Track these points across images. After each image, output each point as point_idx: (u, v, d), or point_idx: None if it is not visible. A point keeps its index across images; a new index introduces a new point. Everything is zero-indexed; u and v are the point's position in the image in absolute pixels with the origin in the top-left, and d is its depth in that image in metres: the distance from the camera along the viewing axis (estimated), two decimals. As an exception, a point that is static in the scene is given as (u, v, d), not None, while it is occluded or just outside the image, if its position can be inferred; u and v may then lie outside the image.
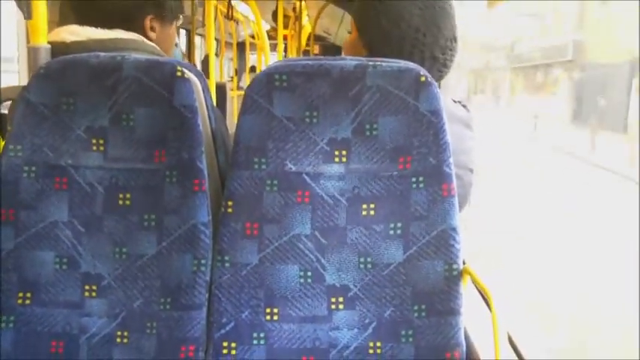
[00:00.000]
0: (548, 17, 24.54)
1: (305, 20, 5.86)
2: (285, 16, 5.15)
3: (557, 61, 22.18)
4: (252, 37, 6.67)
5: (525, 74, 26.51)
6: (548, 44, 23.16)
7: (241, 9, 5.66)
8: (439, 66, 1.12)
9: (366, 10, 1.14)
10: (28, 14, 1.13)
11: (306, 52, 5.79)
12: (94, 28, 1.15)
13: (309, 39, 5.52)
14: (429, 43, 1.10)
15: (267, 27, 6.49)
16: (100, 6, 1.16)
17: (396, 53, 1.07)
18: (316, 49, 7.30)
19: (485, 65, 31.55)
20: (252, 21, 5.83)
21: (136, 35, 1.18)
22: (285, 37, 5.81)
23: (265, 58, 3.01)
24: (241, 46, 7.86)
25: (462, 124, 1.11)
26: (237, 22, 6.41)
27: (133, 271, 1.00)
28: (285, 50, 5.88)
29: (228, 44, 7.21)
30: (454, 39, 1.12)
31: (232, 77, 7.25)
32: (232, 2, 4.40)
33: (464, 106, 1.14)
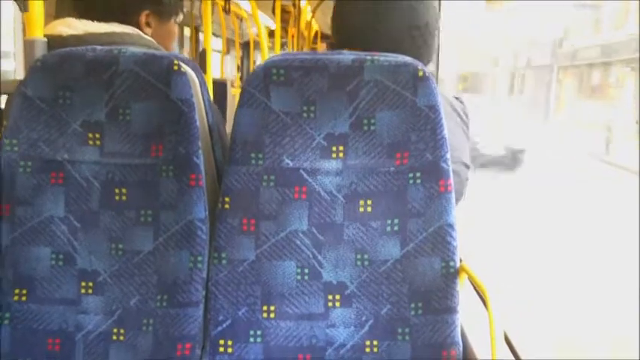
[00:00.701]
0: (605, 8, 23.93)
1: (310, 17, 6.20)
2: (288, 12, 5.45)
3: (621, 59, 21.11)
4: (257, 35, 7.02)
5: (578, 74, 25.98)
6: (608, 39, 22.19)
7: (246, 6, 5.97)
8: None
9: (332, 12, 1.36)
10: (24, 7, 1.29)
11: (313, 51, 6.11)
12: (90, 22, 1.32)
13: (316, 37, 5.80)
14: (375, 37, 1.27)
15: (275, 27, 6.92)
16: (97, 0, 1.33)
17: (353, 47, 1.24)
18: (324, 47, 7.57)
19: (526, 63, 30.10)
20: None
21: (132, 29, 1.35)
22: (291, 35, 6.19)
23: (262, 57, 3.27)
24: (247, 44, 8.28)
25: (458, 119, 1.27)
26: (240, 20, 6.75)
27: (129, 267, 1.16)
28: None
29: (232, 41, 7.57)
30: (414, 27, 1.28)
31: (236, 75, 7.62)
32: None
33: (460, 101, 1.30)
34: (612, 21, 22.93)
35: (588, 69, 24.79)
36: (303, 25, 5.59)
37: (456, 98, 1.32)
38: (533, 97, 28.99)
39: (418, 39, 1.28)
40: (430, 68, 1.50)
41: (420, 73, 1.13)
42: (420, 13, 1.29)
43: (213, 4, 4.95)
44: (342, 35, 1.32)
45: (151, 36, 1.39)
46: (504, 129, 13.36)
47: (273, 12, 4.92)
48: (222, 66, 7.05)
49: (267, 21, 6.63)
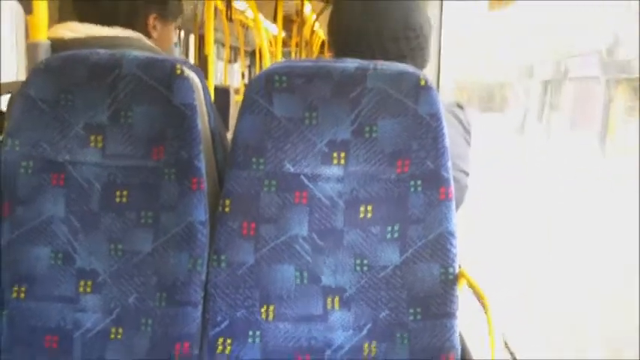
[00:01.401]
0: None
1: (317, 26, 6.63)
2: (292, 22, 5.87)
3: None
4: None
5: (633, 89, 25.05)
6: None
7: (251, 14, 6.45)
8: (397, 57, 1.44)
9: (329, 15, 1.55)
10: (28, 9, 1.49)
11: None
12: (92, 25, 1.51)
13: (323, 46, 6.21)
14: (370, 38, 1.45)
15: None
16: (106, 3, 1.52)
17: (346, 52, 1.44)
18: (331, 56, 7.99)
19: (562, 74, 28.87)
20: (265, 27, 6.78)
21: (135, 33, 1.54)
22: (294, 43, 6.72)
23: (264, 64, 3.60)
24: (254, 53, 8.87)
25: (458, 127, 1.46)
26: (246, 28, 7.22)
27: (128, 267, 1.33)
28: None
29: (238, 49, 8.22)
30: (410, 28, 1.46)
31: (240, 82, 8.17)
32: (238, 6, 5.14)
33: (461, 108, 1.48)
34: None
35: (652, 82, 23.94)
36: (307, 33, 5.93)
37: (458, 106, 1.51)
38: (573, 115, 27.48)
39: (413, 40, 1.46)
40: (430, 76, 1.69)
41: (422, 82, 1.30)
42: (415, 16, 1.48)
43: (217, 11, 5.33)
44: (338, 37, 1.52)
45: (156, 39, 1.59)
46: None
47: (275, 20, 5.28)
48: (225, 72, 7.53)
49: (274, 29, 7.07)
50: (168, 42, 1.68)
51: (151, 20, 1.58)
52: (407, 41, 1.47)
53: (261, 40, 3.60)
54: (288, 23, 7.19)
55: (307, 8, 6.01)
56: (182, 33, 8.10)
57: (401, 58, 1.44)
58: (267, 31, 7.17)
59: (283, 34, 8.26)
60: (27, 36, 1.53)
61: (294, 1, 5.68)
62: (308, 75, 1.31)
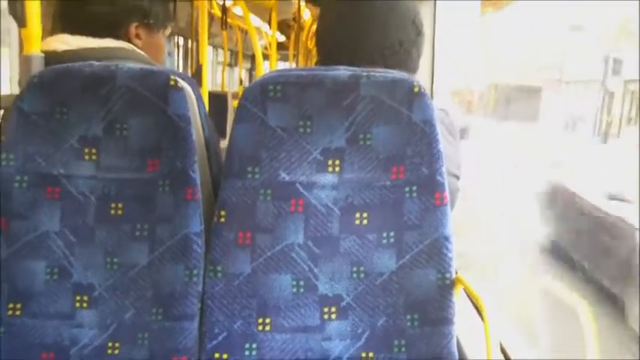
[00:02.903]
0: None
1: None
2: (290, 27, 6.11)
3: None
4: (266, 47, 7.89)
5: None
6: None
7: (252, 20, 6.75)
8: (384, 67, 1.50)
9: (316, 28, 1.62)
10: (21, 22, 1.53)
11: None
12: (84, 37, 1.56)
13: None
14: (357, 47, 1.53)
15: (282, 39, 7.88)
16: (84, 14, 1.57)
17: (333, 62, 1.49)
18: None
19: None
20: (264, 31, 7.03)
21: (126, 44, 1.58)
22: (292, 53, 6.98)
23: (257, 69, 3.76)
24: (254, 57, 9.32)
25: (445, 131, 1.53)
26: (245, 33, 7.51)
27: (124, 281, 1.38)
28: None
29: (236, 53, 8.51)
30: (397, 42, 1.54)
31: (239, 87, 8.51)
32: (236, 11, 5.38)
33: (446, 113, 1.57)
34: None
35: None
36: (304, 38, 6.11)
37: (442, 110, 1.58)
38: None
39: (402, 54, 1.53)
40: (424, 82, 1.78)
41: (416, 89, 1.36)
42: (400, 25, 1.55)
43: (213, 17, 5.52)
44: (324, 48, 1.59)
45: (141, 48, 1.63)
46: None
47: (270, 25, 5.48)
48: (223, 78, 7.80)
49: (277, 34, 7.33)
50: (158, 51, 1.72)
51: (133, 29, 1.63)
52: (395, 54, 1.54)
53: (255, 46, 3.75)
54: (286, 28, 7.42)
55: (306, 13, 6.19)
56: (181, 40, 8.34)
57: (388, 67, 1.49)
58: (267, 35, 7.43)
59: (283, 38, 8.55)
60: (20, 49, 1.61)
61: (292, 5, 5.87)
62: (302, 84, 1.36)
